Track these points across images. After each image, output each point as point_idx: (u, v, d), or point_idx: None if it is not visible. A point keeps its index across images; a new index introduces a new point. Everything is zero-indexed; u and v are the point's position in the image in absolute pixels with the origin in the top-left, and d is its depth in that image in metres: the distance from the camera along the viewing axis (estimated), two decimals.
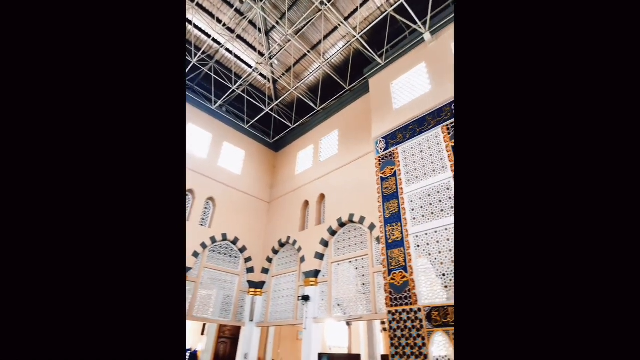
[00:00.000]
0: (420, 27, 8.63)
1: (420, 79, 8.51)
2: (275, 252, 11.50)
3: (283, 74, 12.45)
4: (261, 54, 11.61)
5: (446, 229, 6.11)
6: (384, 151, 8.23)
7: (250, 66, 11.95)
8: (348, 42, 10.56)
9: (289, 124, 13.03)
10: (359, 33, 9.46)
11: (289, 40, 10.90)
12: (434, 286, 5.94)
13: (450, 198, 6.32)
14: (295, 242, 10.75)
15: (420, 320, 5.71)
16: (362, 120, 10.31)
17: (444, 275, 5.83)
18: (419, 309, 5.81)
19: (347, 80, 11.40)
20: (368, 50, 9.87)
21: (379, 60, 9.73)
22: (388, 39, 10.17)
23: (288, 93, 11.76)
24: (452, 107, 7.11)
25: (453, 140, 6.75)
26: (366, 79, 10.50)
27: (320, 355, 7.69)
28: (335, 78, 11.44)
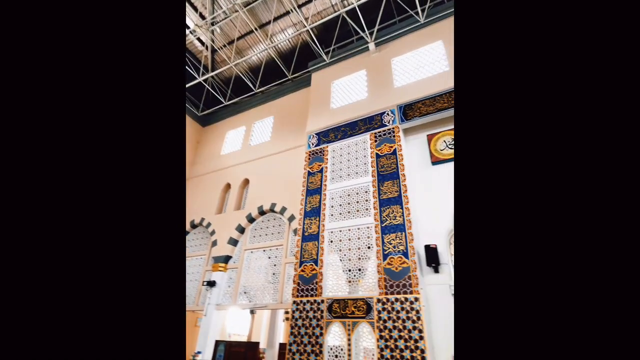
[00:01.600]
0: (367, 36, 9.02)
1: (359, 85, 8.91)
2: (186, 233, 10.68)
3: (224, 46, 11.57)
4: (202, 17, 10.56)
5: (358, 229, 6.55)
6: (315, 146, 8.38)
7: (187, 27, 10.76)
8: (298, 31, 10.39)
9: (223, 100, 12.21)
10: (310, 25, 9.40)
11: (237, 11, 10.18)
12: (339, 280, 6.31)
13: (367, 200, 6.79)
14: (209, 224, 10.15)
15: (322, 311, 6.00)
16: (298, 112, 10.29)
17: (349, 270, 6.24)
18: (322, 301, 6.10)
19: (291, 70, 11.23)
20: (316, 45, 9.89)
21: (324, 57, 9.84)
22: (337, 39, 10.36)
23: (227, 67, 10.97)
24: (382, 117, 7.64)
25: (388, 149, 7.26)
26: (309, 73, 10.51)
27: (217, 343, 7.45)
28: (279, 64, 11.15)
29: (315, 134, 8.60)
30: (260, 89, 11.77)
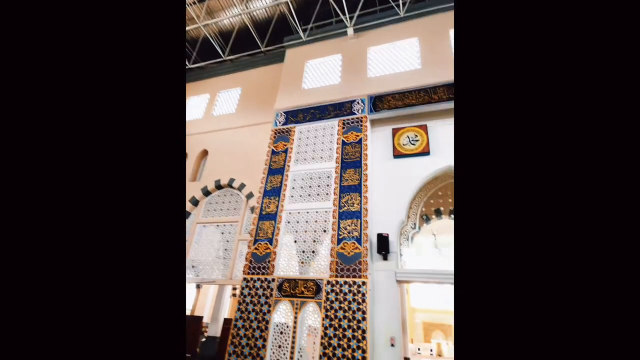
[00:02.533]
0: (346, 20, 8.88)
1: (333, 69, 8.81)
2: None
3: (194, 2, 10.61)
4: None
5: (317, 212, 6.62)
6: (282, 125, 8.19)
7: None
8: (276, 1, 9.87)
9: (187, 62, 11.30)
10: None
11: None
12: (291, 261, 6.38)
13: (328, 185, 6.86)
14: None
15: (272, 290, 6.05)
16: (268, 88, 9.92)
17: (303, 252, 6.33)
18: (273, 279, 6.14)
19: (265, 42, 10.71)
20: (294, 19, 9.50)
21: (301, 34, 9.52)
22: (316, 17, 10.05)
23: (194, 27, 10.11)
24: (352, 105, 7.68)
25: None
26: (284, 48, 10.12)
27: None
28: (253, 34, 10.56)
29: (284, 112, 8.39)
30: (230, 57, 11.09)
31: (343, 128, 7.45)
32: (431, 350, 15.85)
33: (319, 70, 9.05)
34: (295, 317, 5.68)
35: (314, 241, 6.37)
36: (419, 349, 15.85)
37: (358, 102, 7.67)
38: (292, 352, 5.42)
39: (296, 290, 5.91)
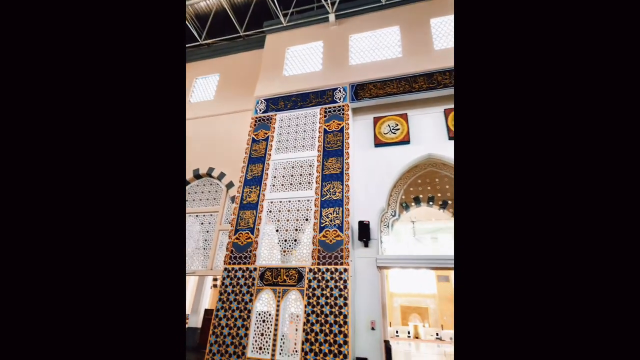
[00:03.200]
0: (328, 6, 8.71)
1: (315, 56, 8.67)
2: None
3: None
4: None
5: (299, 201, 6.60)
6: (262, 113, 8.02)
7: None
8: None
9: None
10: None
11: None
12: (273, 250, 6.36)
13: (310, 174, 6.84)
14: None
15: (254, 279, 6.03)
16: (248, 74, 9.65)
17: (285, 241, 6.32)
18: (255, 269, 6.11)
19: (244, 26, 10.34)
20: (274, 3, 9.22)
21: (282, 19, 9.26)
22: (297, 2, 9.79)
23: None
24: (334, 93, 7.63)
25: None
26: (264, 33, 9.83)
27: None
28: (232, 17, 10.16)
29: (264, 99, 8.21)
30: (207, 41, 10.65)
31: (325, 116, 7.40)
32: (409, 333, 16.56)
33: (300, 57, 8.88)
34: (278, 305, 5.71)
35: (296, 230, 6.37)
36: (397, 332, 16.50)
37: (340, 90, 7.62)
38: (274, 339, 5.46)
39: (278, 278, 5.92)
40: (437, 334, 15.88)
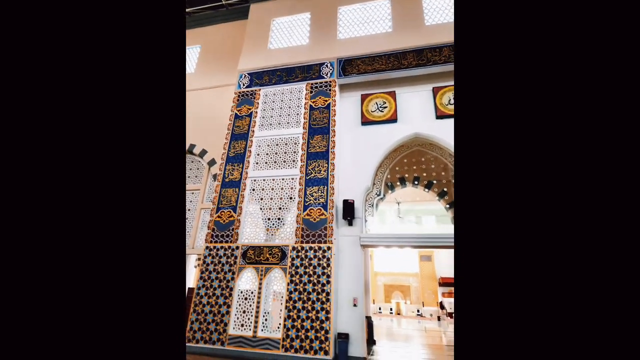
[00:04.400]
0: None
1: (302, 29, 8.26)
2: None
3: None
4: None
5: (283, 179, 6.45)
6: (246, 87, 7.67)
7: None
8: None
9: None
10: None
11: None
12: (256, 228, 6.25)
13: (295, 152, 6.65)
14: None
15: (236, 257, 5.94)
16: (231, 47, 9.16)
17: (269, 219, 6.21)
18: (237, 247, 6.01)
19: None
20: None
21: None
22: None
23: None
24: (321, 68, 7.33)
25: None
26: (248, 3, 9.27)
27: None
28: None
29: (248, 73, 7.83)
30: (187, 9, 9.96)
31: (311, 92, 7.14)
32: (391, 309, 17.14)
33: (286, 29, 8.45)
34: (260, 283, 5.66)
35: (280, 208, 6.25)
36: (379, 309, 17.05)
37: (327, 65, 7.33)
38: (256, 316, 5.45)
39: (261, 257, 5.85)
40: (418, 311, 16.49)
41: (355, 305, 5.51)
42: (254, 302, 5.58)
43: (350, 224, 6.05)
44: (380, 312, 16.72)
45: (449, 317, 13.48)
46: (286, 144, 6.79)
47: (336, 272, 5.66)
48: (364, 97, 7.06)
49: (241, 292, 5.73)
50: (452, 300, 15.12)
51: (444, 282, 15.84)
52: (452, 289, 15.40)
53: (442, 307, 15.52)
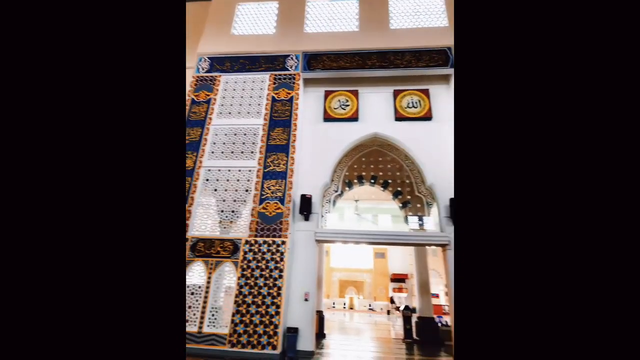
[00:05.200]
0: None
1: (268, 18, 8.03)
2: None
3: None
4: None
5: (239, 171, 6.24)
6: (205, 72, 7.27)
7: None
8: None
9: None
10: None
11: None
12: (208, 220, 5.98)
13: (254, 143, 6.46)
14: None
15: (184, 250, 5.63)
16: (191, 28, 8.59)
17: (222, 211, 5.98)
18: (187, 239, 5.71)
19: None
20: None
21: None
22: None
23: None
24: (286, 60, 7.20)
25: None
26: None
27: None
28: None
29: (208, 58, 7.43)
30: None
31: (274, 83, 6.98)
32: (344, 304, 17.60)
33: (251, 16, 8.15)
34: (209, 277, 5.44)
35: (235, 200, 6.05)
36: (333, 303, 17.41)
37: (292, 58, 7.21)
38: (203, 312, 5.23)
39: (212, 250, 5.61)
40: (369, 305, 17.11)
41: (306, 299, 5.52)
42: (201, 297, 5.35)
43: (306, 219, 6.04)
44: (334, 307, 17.07)
45: (397, 311, 14.17)
46: (245, 135, 6.58)
47: (290, 266, 5.63)
48: (327, 94, 7.07)
49: (188, 287, 5.45)
50: (401, 295, 15.90)
51: (395, 278, 16.59)
52: (402, 284, 16.21)
53: (392, 301, 16.26)
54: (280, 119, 6.59)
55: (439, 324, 8.01)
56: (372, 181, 7.35)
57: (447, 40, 6.87)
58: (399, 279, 16.44)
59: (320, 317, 7.41)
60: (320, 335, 7.22)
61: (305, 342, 5.25)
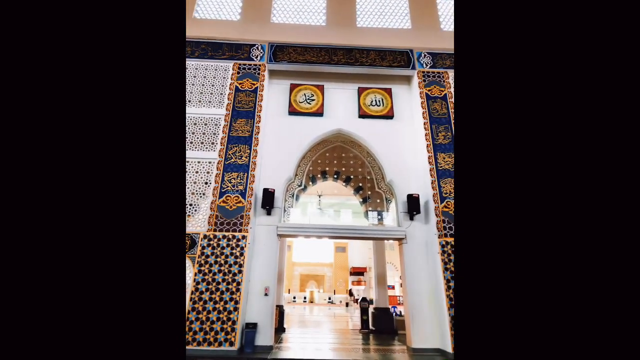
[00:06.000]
0: None
1: (233, 3, 7.71)
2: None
3: None
4: None
5: (199, 162, 5.96)
6: None
7: None
8: None
9: None
10: None
11: None
12: None
13: (215, 134, 6.20)
14: None
15: None
16: None
17: (190, 205, 5.67)
18: None
19: None
20: None
21: None
22: None
23: None
24: (251, 50, 6.97)
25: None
26: None
27: None
28: None
29: None
30: None
31: (238, 73, 6.74)
32: (305, 298, 17.77)
33: (215, 0, 7.75)
34: None
35: (193, 193, 5.77)
36: (294, 297, 17.50)
37: (258, 48, 7.01)
38: None
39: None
40: (329, 298, 17.45)
41: (266, 294, 5.47)
42: None
43: (269, 213, 5.96)
44: (294, 301, 17.16)
45: (355, 303, 14.63)
46: (205, 124, 6.28)
47: (250, 261, 5.53)
48: (293, 87, 6.99)
49: None
50: (359, 287, 16.44)
51: (354, 272, 17.10)
52: (361, 277, 16.75)
53: (350, 294, 16.76)
54: (244, 110, 6.39)
55: (394, 314, 8.41)
56: (335, 176, 7.45)
57: (410, 42, 7.14)
58: (358, 272, 16.96)
59: (280, 312, 7.40)
60: (280, 329, 7.22)
61: (265, 337, 5.21)
